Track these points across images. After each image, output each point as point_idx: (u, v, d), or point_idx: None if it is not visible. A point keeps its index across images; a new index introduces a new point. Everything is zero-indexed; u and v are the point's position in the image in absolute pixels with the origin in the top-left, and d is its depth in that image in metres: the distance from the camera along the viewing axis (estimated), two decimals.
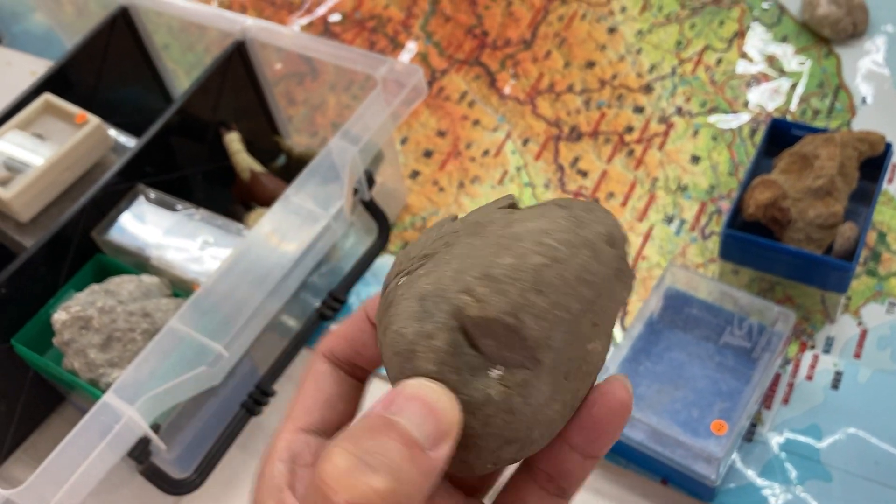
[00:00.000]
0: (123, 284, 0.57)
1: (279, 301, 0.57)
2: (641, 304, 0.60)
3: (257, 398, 0.61)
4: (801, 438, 0.55)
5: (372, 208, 0.67)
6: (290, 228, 0.58)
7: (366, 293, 0.68)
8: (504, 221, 0.23)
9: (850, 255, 0.56)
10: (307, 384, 0.28)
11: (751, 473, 0.54)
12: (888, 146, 0.59)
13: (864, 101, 0.71)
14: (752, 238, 0.56)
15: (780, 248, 0.56)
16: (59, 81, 0.69)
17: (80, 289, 0.59)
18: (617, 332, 0.62)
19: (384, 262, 0.69)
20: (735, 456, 0.54)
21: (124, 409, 0.50)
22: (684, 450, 0.50)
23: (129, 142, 0.67)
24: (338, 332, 0.28)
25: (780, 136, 0.62)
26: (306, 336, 0.64)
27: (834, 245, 0.57)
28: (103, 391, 0.52)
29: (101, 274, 0.61)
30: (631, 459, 0.54)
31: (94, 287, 0.57)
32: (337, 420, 0.28)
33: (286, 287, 0.57)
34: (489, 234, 0.23)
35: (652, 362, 0.55)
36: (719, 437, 0.50)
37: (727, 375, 0.54)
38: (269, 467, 0.26)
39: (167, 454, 0.56)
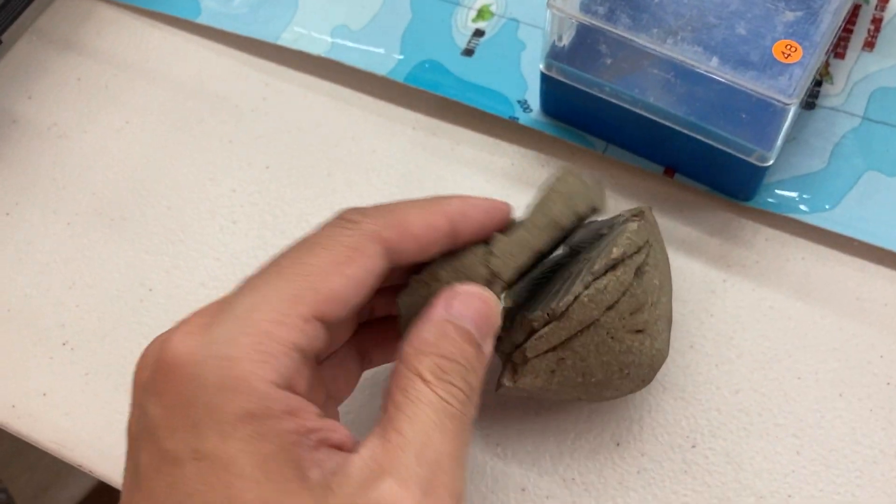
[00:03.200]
0: None
1: None
2: None
3: None
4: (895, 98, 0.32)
5: None
6: None
7: None
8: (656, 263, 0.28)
9: None
10: (349, 261, 0.22)
11: (815, 160, 0.31)
12: None
13: None
14: None
15: None
16: None
17: None
18: None
19: None
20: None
21: None
22: (718, 95, 0.26)
23: None
24: (406, 226, 0.23)
25: None
26: None
27: None
28: None
29: None
30: (608, 137, 0.31)
31: None
32: (348, 321, 0.25)
33: None
34: (664, 273, 0.28)
35: None
36: (788, 65, 0.26)
37: None
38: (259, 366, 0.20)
39: None
